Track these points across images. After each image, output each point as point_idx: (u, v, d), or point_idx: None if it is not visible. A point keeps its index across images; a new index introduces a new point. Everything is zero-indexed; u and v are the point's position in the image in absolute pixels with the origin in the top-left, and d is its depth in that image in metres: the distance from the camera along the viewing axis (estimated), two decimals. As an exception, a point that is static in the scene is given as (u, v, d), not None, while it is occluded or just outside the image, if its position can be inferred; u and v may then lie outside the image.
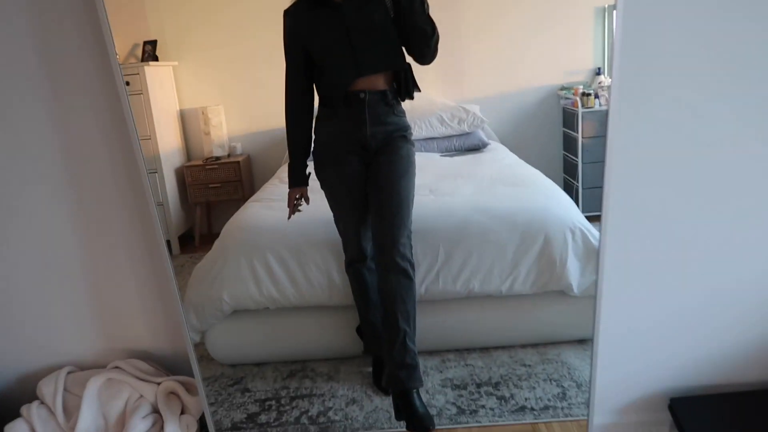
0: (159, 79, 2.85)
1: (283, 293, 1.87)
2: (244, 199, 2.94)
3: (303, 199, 1.75)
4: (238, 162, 2.91)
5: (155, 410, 1.51)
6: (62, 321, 1.63)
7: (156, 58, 2.88)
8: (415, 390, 1.63)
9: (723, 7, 1.37)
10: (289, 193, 1.74)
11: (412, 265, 1.62)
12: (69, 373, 1.61)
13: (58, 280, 1.60)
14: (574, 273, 1.83)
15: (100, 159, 1.54)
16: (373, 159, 1.67)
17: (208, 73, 3.01)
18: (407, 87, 1.64)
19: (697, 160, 1.48)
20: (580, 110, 2.70)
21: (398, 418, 1.65)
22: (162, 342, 1.65)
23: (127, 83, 2.67)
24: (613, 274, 1.55)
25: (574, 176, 2.80)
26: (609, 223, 1.51)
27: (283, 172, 2.68)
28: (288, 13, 1.62)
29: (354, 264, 1.75)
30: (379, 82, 1.62)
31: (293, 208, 1.75)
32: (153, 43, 2.90)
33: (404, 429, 1.63)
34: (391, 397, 1.74)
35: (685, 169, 1.50)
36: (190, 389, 1.57)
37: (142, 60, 2.86)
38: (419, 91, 1.67)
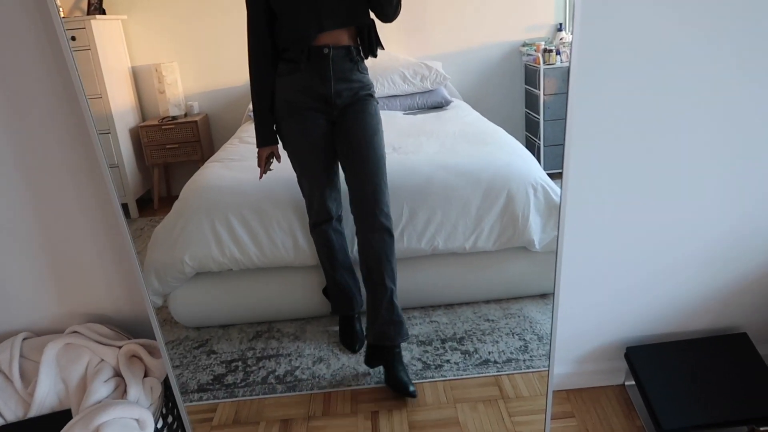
0: (107, 33, 2.70)
1: (246, 254, 1.84)
2: (203, 160, 2.86)
3: (274, 158, 1.70)
4: (196, 122, 2.81)
5: (117, 374, 1.49)
6: (16, 286, 1.57)
7: (103, 12, 2.73)
8: (398, 349, 1.67)
9: None
10: (258, 152, 1.70)
11: (392, 223, 1.63)
12: (25, 339, 1.56)
13: (9, 243, 1.54)
14: (535, 229, 1.86)
15: (48, 119, 1.46)
16: (339, 118, 1.63)
17: (161, 27, 2.87)
18: (371, 44, 1.60)
19: (658, 116, 1.50)
20: (542, 67, 2.70)
21: (370, 364, 1.69)
22: (122, 306, 1.61)
23: (73, 38, 2.54)
24: (574, 229, 1.59)
25: (536, 134, 2.82)
26: (570, 179, 1.53)
27: (243, 132, 2.61)
28: (245, -44, 1.55)
29: (319, 225, 1.74)
30: (343, 37, 1.57)
31: (264, 167, 1.70)
32: (99, -5, 2.75)
33: (371, 385, 1.66)
34: (357, 355, 1.76)
35: (644, 125, 1.52)
36: (153, 352, 1.55)
37: (88, 13, 2.71)
38: (383, 48, 1.64)
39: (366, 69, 1.65)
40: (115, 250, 1.56)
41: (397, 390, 1.65)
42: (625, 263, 1.64)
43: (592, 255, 1.64)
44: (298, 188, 1.77)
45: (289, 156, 1.70)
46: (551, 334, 1.56)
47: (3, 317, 1.60)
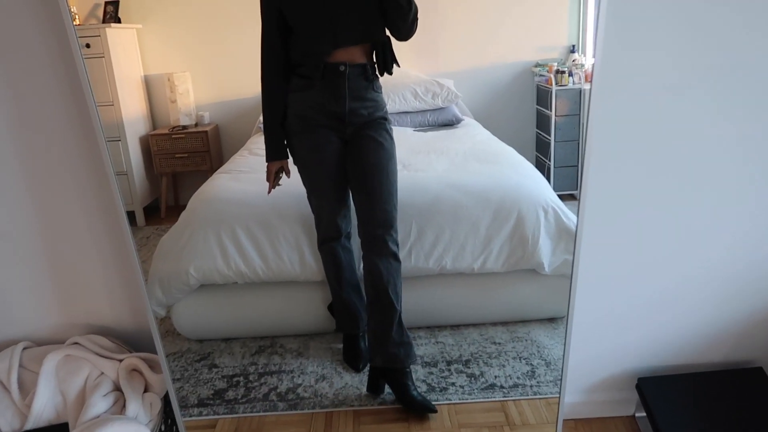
0: (122, 42, 2.72)
1: (251, 267, 1.82)
2: (212, 170, 2.86)
3: (283, 173, 1.69)
4: (206, 132, 2.81)
5: (117, 388, 1.46)
6: (17, 294, 1.55)
7: (118, 20, 2.75)
8: (408, 369, 1.65)
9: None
10: (268, 167, 1.68)
11: (399, 248, 1.64)
12: (25, 348, 1.54)
13: (13, 250, 1.52)
14: (545, 251, 1.83)
15: (57, 124, 1.45)
16: (352, 138, 1.62)
17: (175, 37, 2.89)
18: (386, 61, 1.59)
19: (676, 143, 1.48)
20: (554, 88, 2.69)
21: (373, 391, 1.65)
22: (124, 317, 1.59)
23: (87, 45, 2.55)
24: (589, 255, 1.56)
25: (547, 154, 2.80)
26: (587, 204, 1.50)
27: (253, 144, 2.61)
28: (264, -26, 1.55)
29: (328, 242, 1.71)
30: (358, 54, 1.56)
31: (273, 182, 1.69)
32: (115, 4, 2.76)
33: (374, 405, 1.63)
34: (360, 375, 1.73)
35: (663, 152, 1.50)
36: (154, 367, 1.52)
37: (104, 21, 2.73)
38: (398, 65, 1.62)
39: (380, 88, 1.64)
40: (119, 259, 1.54)
41: (417, 409, 1.60)
42: (640, 291, 1.60)
43: (606, 281, 1.61)
44: (306, 202, 1.75)
45: (299, 171, 1.69)
46: (563, 361, 1.52)
47: (3, 325, 1.57)
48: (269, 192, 1.70)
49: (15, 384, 1.44)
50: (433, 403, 1.64)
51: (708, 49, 1.40)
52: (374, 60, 1.60)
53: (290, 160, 1.71)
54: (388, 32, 1.60)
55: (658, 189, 1.52)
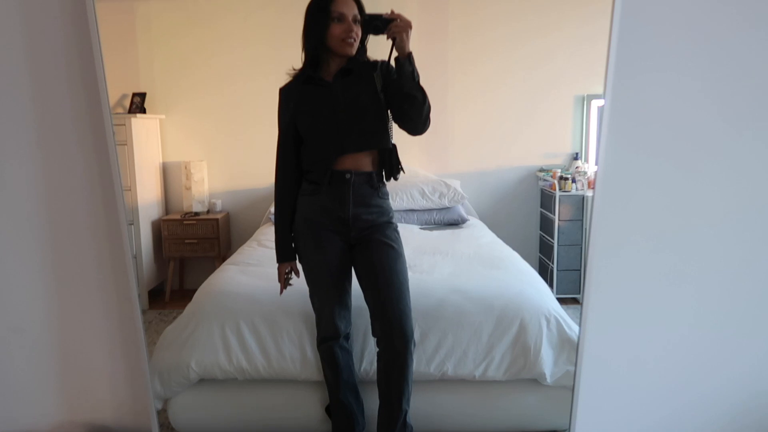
0: (145, 131, 2.85)
1: (252, 364, 1.82)
2: (220, 256, 2.91)
3: (293, 273, 1.74)
4: (217, 219, 2.89)
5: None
6: (23, 387, 1.54)
7: (144, 110, 2.90)
8: None
9: (702, 99, 1.44)
10: (279, 268, 1.74)
11: (414, 346, 1.66)
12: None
13: (24, 342, 1.52)
14: (547, 362, 1.83)
15: (81, 210, 1.49)
16: (358, 242, 1.67)
17: (195, 127, 3.03)
18: (391, 168, 1.67)
19: (680, 254, 1.50)
20: (558, 193, 2.78)
21: None
22: (125, 415, 1.57)
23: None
24: (591, 367, 1.56)
25: (550, 257, 2.85)
26: (589, 315, 1.52)
27: (262, 234, 2.67)
28: (282, 90, 1.66)
29: (327, 341, 1.73)
30: (364, 162, 1.64)
31: (284, 282, 1.74)
32: (142, 96, 2.92)
33: None
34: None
35: (666, 263, 1.52)
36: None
37: (130, 111, 2.88)
38: (404, 172, 1.70)
39: (386, 195, 1.71)
40: (127, 355, 1.55)
41: None
42: (644, 407, 1.59)
43: (609, 395, 1.60)
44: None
45: (303, 270, 1.73)
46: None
47: (4, 416, 1.56)
48: (281, 293, 1.75)
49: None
50: None
51: (706, 156, 1.46)
52: (380, 167, 1.68)
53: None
54: (395, 138, 1.69)
55: (662, 302, 1.54)
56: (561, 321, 1.86)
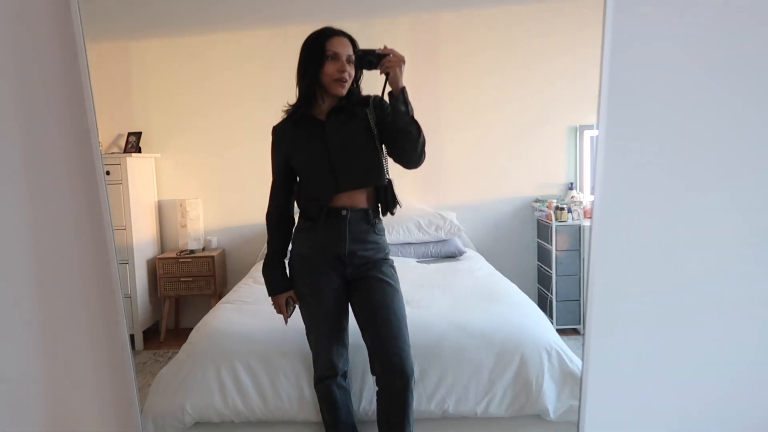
0: (140, 170, 2.86)
1: (249, 405, 1.78)
2: (216, 294, 2.88)
3: (293, 301, 1.70)
4: (213, 256, 2.87)
5: None
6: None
7: (139, 150, 2.91)
8: None
9: (696, 127, 1.44)
10: (278, 300, 1.69)
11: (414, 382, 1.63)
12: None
13: (5, 394, 1.48)
14: (550, 396, 1.79)
15: (71, 247, 1.47)
16: (354, 279, 1.66)
17: (190, 165, 3.04)
18: (387, 203, 1.66)
19: (681, 281, 1.49)
20: (554, 223, 2.78)
21: None
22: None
23: (107, 173, 2.68)
24: (595, 401, 1.52)
25: (549, 288, 2.83)
26: (591, 349, 1.49)
27: (257, 271, 2.65)
28: (275, 129, 1.66)
29: (324, 380, 1.69)
30: (360, 198, 1.63)
31: (288, 311, 1.70)
32: (138, 135, 2.94)
33: None
34: None
35: (667, 293, 1.50)
36: None
37: (125, 150, 2.89)
38: (400, 206, 1.69)
39: (383, 231, 1.69)
40: (116, 401, 1.51)
41: None
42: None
43: (615, 427, 1.56)
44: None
45: (299, 308, 1.71)
46: None
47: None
48: (286, 322, 1.70)
49: None
50: None
51: (701, 183, 1.45)
52: (376, 202, 1.67)
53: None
54: (391, 173, 1.68)
55: (666, 333, 1.51)
56: (562, 354, 1.83)
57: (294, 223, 1.71)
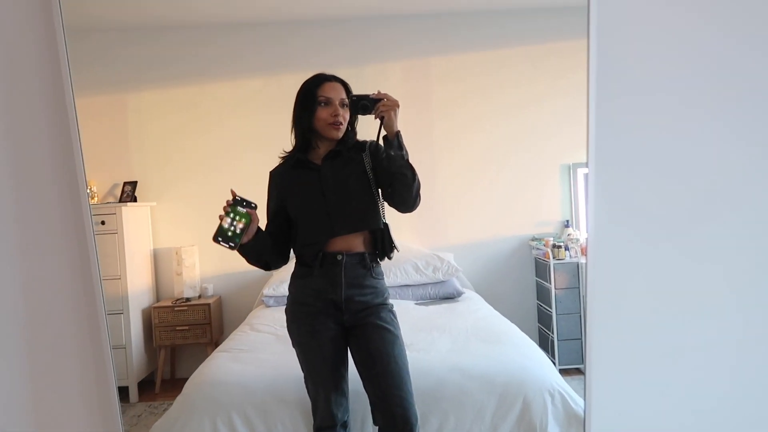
0: (135, 219, 2.86)
1: (246, 458, 1.73)
2: (212, 342, 2.84)
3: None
4: (209, 304, 2.84)
5: None
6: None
7: (135, 199, 2.91)
8: None
9: (687, 162, 1.45)
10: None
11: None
12: None
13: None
14: (555, 440, 1.75)
15: (59, 301, 1.45)
16: (353, 326, 1.63)
17: (186, 213, 3.04)
18: (384, 248, 1.65)
19: (681, 317, 1.47)
20: (552, 261, 2.77)
21: None
22: None
23: (102, 222, 2.68)
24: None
25: (549, 326, 2.79)
26: (593, 391, 1.47)
27: (254, 318, 2.62)
28: (272, 173, 1.67)
29: (323, 430, 1.65)
30: (356, 243, 1.62)
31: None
32: (133, 184, 2.95)
33: None
34: None
35: (668, 330, 1.49)
36: None
37: (121, 200, 2.89)
38: (397, 251, 1.68)
39: (381, 275, 1.68)
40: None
41: None
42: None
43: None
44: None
45: (297, 355, 1.67)
46: None
47: None
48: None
49: None
50: None
51: (694, 215, 1.45)
52: (373, 247, 1.66)
53: (290, 343, 1.70)
54: (387, 217, 1.68)
55: (668, 369, 1.49)
56: (566, 396, 1.79)
57: (284, 259, 1.69)
